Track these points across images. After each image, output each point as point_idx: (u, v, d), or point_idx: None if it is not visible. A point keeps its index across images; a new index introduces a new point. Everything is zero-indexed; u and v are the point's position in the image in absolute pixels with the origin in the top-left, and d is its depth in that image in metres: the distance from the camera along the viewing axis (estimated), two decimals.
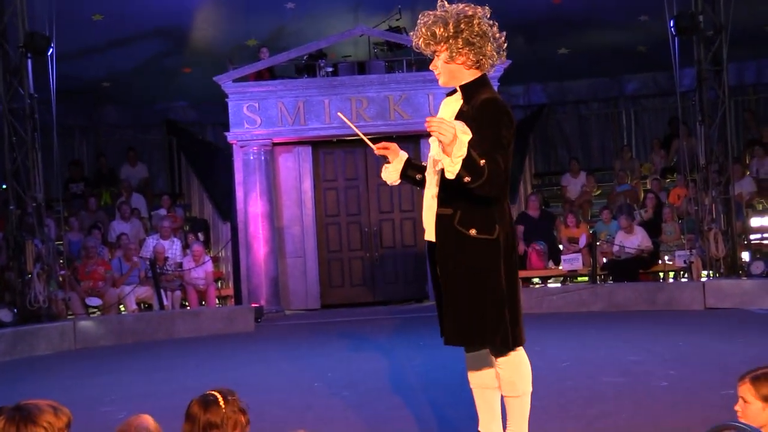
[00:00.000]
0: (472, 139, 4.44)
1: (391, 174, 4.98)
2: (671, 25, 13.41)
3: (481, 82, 4.70)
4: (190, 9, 17.05)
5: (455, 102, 4.77)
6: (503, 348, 4.69)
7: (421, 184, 4.89)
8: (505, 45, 4.78)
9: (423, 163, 4.99)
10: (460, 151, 4.30)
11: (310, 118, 15.08)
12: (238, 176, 15.26)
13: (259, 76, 15.56)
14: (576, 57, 18.82)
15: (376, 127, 14.85)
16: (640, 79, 19.78)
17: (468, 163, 4.31)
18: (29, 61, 12.94)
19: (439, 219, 4.66)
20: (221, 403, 4.09)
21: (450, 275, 4.64)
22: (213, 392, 4.13)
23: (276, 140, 15.18)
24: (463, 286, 4.61)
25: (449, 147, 4.29)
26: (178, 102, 19.58)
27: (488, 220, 4.59)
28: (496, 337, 4.63)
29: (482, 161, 4.34)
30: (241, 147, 15.12)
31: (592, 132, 20.34)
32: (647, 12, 17.01)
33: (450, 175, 4.38)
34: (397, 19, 15.88)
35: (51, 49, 12.93)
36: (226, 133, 15.32)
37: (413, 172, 4.93)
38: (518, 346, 4.72)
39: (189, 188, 18.46)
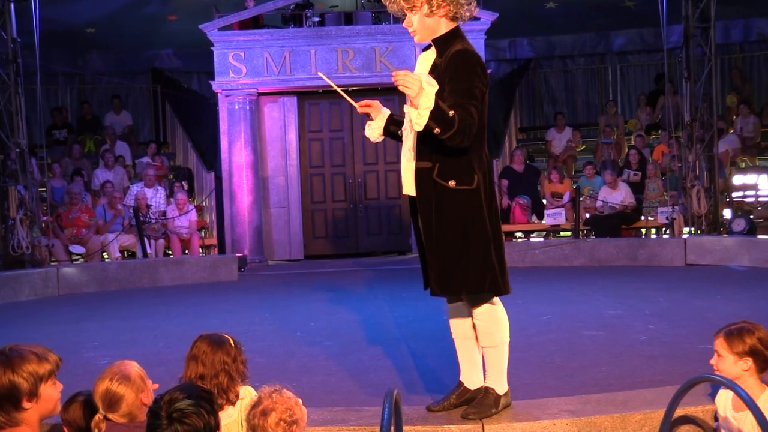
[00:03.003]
0: (445, 90, 4.45)
1: (374, 131, 4.98)
2: None
3: (453, 35, 4.70)
4: None
5: (430, 56, 4.77)
6: (492, 293, 4.72)
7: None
8: None
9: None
10: (427, 102, 4.32)
11: (296, 69, 15.02)
12: (223, 126, 15.21)
13: (245, 25, 15.45)
14: (564, 11, 18.75)
15: (363, 78, 14.83)
16: (627, 35, 19.75)
17: (436, 114, 4.33)
18: (12, 5, 12.81)
19: (418, 173, 4.67)
20: (232, 343, 4.13)
21: (433, 228, 4.66)
22: (224, 334, 4.17)
23: (261, 90, 15.12)
24: (446, 238, 4.63)
25: (416, 99, 4.32)
26: (164, 50, 19.44)
27: (467, 171, 4.61)
28: (484, 284, 4.65)
29: (451, 112, 4.35)
30: (226, 96, 15.06)
31: (578, 87, 20.33)
32: None
33: (418, 127, 4.40)
34: None
35: None
36: (211, 82, 15.25)
37: (396, 128, 4.92)
38: (506, 293, 4.76)
39: (173, 137, 18.39)
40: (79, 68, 19.22)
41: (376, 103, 4.92)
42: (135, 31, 18.32)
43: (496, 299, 4.82)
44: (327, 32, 15.13)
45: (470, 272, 4.64)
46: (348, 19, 15.41)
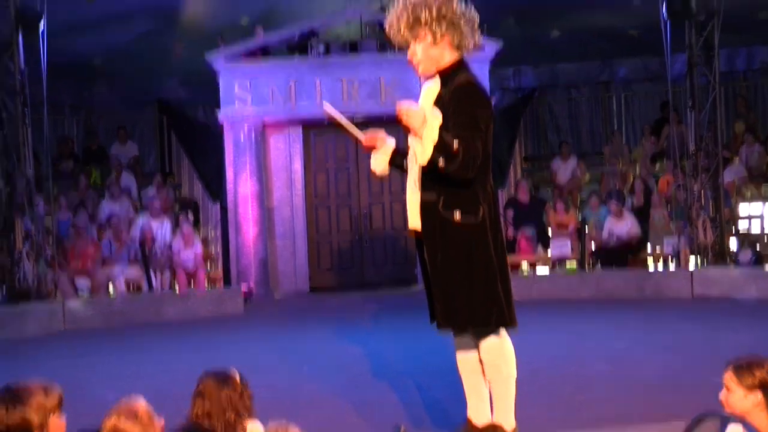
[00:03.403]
0: (449, 122, 4.45)
1: (380, 163, 4.97)
2: (663, 9, 13.38)
3: (458, 66, 4.71)
4: None
5: (435, 87, 4.77)
6: (499, 326, 4.69)
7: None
8: (477, 23, 4.76)
9: None
10: (431, 135, 4.33)
11: (302, 99, 15.04)
12: (229, 156, 15.23)
13: (250, 56, 15.49)
14: (567, 40, 18.78)
15: (368, 108, 14.83)
16: (632, 64, 19.75)
17: (441, 147, 4.34)
18: (20, 37, 12.86)
19: (423, 205, 4.67)
20: (238, 380, 4.10)
21: (438, 261, 4.65)
22: (230, 370, 4.14)
23: (267, 120, 15.14)
24: (452, 271, 4.62)
25: (419, 132, 4.32)
26: (170, 80, 19.49)
27: (472, 203, 4.60)
28: (491, 317, 4.63)
29: (455, 144, 4.35)
30: (232, 127, 15.08)
31: (582, 116, 20.31)
32: None
33: (422, 160, 4.40)
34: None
35: (42, 25, 12.85)
36: (217, 111, 15.25)
37: (401, 160, 4.92)
38: (513, 326, 4.73)
39: (179, 168, 18.39)
40: (85, 99, 19.26)
41: (381, 135, 4.91)
42: (141, 62, 18.37)
43: (503, 332, 4.79)
44: (332, 62, 15.17)
45: (476, 306, 4.62)
46: (353, 48, 15.45)
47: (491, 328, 4.72)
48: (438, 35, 4.63)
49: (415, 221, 4.75)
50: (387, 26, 4.80)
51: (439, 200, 4.60)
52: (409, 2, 4.67)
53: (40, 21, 12.80)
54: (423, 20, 4.63)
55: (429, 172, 4.56)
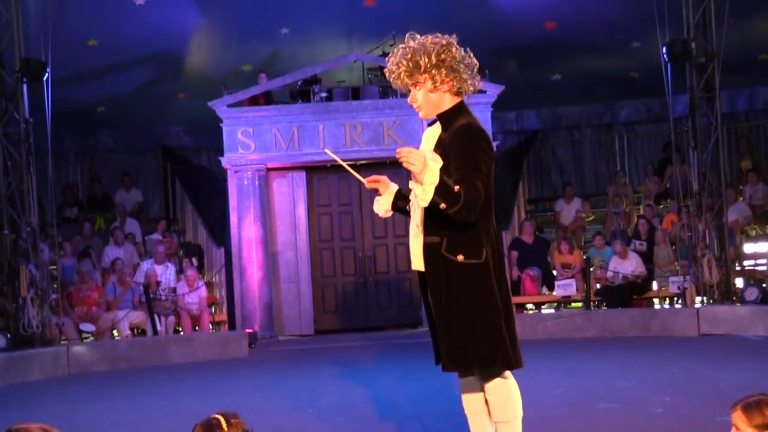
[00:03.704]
0: (450, 165, 4.46)
1: (382, 206, 4.98)
2: (664, 51, 13.46)
3: (458, 110, 4.71)
4: (186, 34, 17.12)
5: (436, 131, 4.79)
6: (504, 367, 4.68)
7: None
8: (477, 68, 4.77)
9: None
10: (432, 178, 4.34)
11: (305, 144, 15.10)
12: (233, 201, 15.27)
13: (253, 101, 15.59)
14: (569, 82, 18.89)
15: (371, 153, 14.90)
16: (634, 105, 19.84)
17: (441, 190, 4.35)
18: (25, 86, 12.96)
19: (426, 247, 4.67)
20: (224, 426, 4.05)
21: (442, 303, 4.63)
22: (216, 416, 4.10)
23: (270, 165, 15.20)
24: (456, 312, 4.60)
25: (420, 175, 4.34)
26: (174, 127, 19.60)
27: (475, 245, 4.60)
28: (496, 358, 4.61)
29: (457, 187, 4.36)
30: (236, 172, 15.14)
31: (585, 157, 20.38)
32: (640, 38, 17.10)
33: (423, 203, 4.42)
34: (391, 45, 15.93)
35: (47, 74, 12.95)
36: (221, 158, 15.34)
37: (404, 203, 4.92)
38: (518, 366, 4.71)
39: (183, 213, 18.44)
40: (89, 146, 19.37)
41: (383, 178, 4.92)
42: (145, 109, 18.50)
43: (508, 373, 4.77)
44: (335, 107, 15.25)
45: (481, 347, 4.60)
46: (355, 93, 15.53)
47: (496, 369, 4.71)
48: (438, 81, 4.65)
49: (418, 263, 4.75)
50: (387, 72, 4.81)
51: (442, 242, 4.61)
52: (409, 48, 4.69)
53: (44, 71, 12.89)
54: (422, 66, 4.64)
55: (432, 215, 4.57)
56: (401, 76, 4.71)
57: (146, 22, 16.28)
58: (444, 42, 4.66)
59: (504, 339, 4.62)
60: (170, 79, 18.10)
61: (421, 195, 4.40)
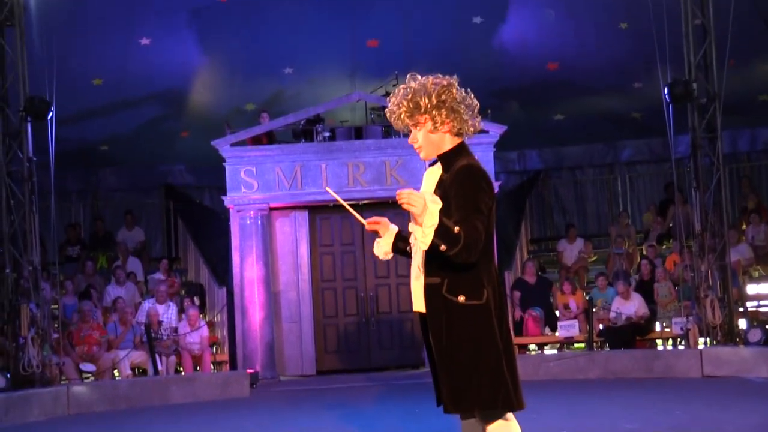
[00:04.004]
0: (450, 206, 4.46)
1: (382, 248, 4.96)
2: (665, 92, 13.47)
3: (459, 150, 4.69)
4: (189, 73, 17.19)
5: (436, 171, 4.78)
6: (506, 409, 4.65)
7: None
8: (477, 108, 4.73)
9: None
10: (432, 220, 4.32)
11: (307, 183, 15.11)
12: (235, 241, 15.25)
13: (256, 141, 15.62)
14: (571, 122, 18.93)
15: (373, 192, 14.91)
16: (635, 145, 19.86)
17: (441, 232, 4.33)
18: (29, 125, 12.98)
19: (427, 288, 4.63)
20: None
21: (443, 344, 4.59)
22: None
23: (273, 205, 15.20)
24: (458, 354, 4.56)
25: (420, 217, 4.33)
26: (176, 165, 19.63)
27: (476, 286, 4.56)
28: (497, 400, 4.56)
29: (456, 228, 4.35)
30: (238, 211, 15.13)
31: (587, 197, 20.37)
32: (641, 79, 17.17)
33: (423, 245, 4.40)
34: (393, 84, 15.95)
35: (51, 113, 12.97)
36: (223, 198, 15.34)
37: (404, 245, 4.90)
38: (520, 408, 4.68)
39: (185, 252, 18.42)
40: (92, 185, 19.38)
41: (384, 220, 4.91)
42: (148, 147, 18.54)
43: (510, 415, 4.72)
44: (337, 147, 15.27)
45: (482, 388, 4.56)
46: (358, 133, 15.55)
47: (498, 412, 4.67)
48: (438, 121, 4.63)
49: (419, 305, 4.72)
50: (388, 113, 4.78)
51: (443, 284, 4.56)
52: (409, 89, 4.67)
53: (48, 110, 12.91)
54: (422, 107, 4.62)
55: (432, 257, 4.55)
56: (402, 116, 4.70)
57: (150, 61, 16.37)
58: (445, 83, 4.65)
59: (505, 380, 4.58)
60: (173, 118, 18.16)
61: (421, 237, 4.38)
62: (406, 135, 4.89)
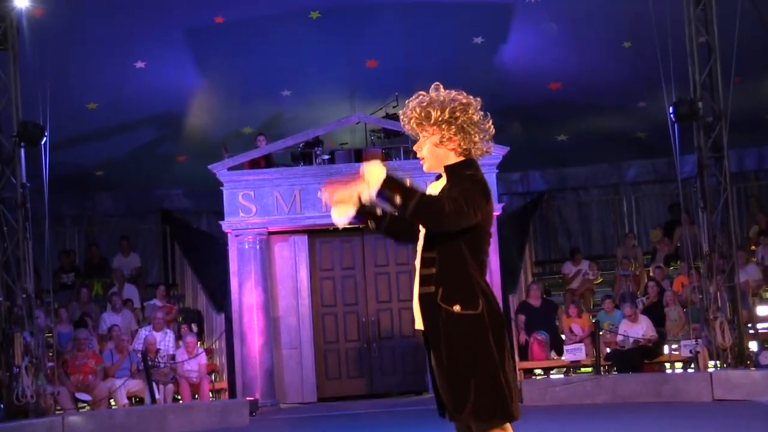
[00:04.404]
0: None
1: (343, 212, 4.76)
2: (670, 111, 13.28)
3: (467, 165, 4.60)
4: (186, 96, 17.04)
5: (441, 184, 4.66)
6: (504, 420, 4.51)
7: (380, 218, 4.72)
8: (491, 134, 4.68)
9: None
10: (378, 173, 4.26)
11: (307, 207, 14.90)
12: (233, 266, 15.05)
13: (254, 164, 15.42)
14: (575, 143, 18.78)
15: None
16: (641, 165, 19.69)
17: (392, 184, 4.27)
18: (22, 150, 12.80)
19: (422, 298, 4.56)
20: None
21: (443, 356, 4.50)
22: None
23: (271, 229, 14.99)
24: (456, 366, 4.48)
25: (362, 184, 4.32)
26: (173, 190, 19.45)
27: (471, 295, 4.49)
28: (496, 410, 4.48)
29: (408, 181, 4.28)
30: (236, 236, 14.93)
31: (592, 218, 20.17)
32: (646, 98, 17.02)
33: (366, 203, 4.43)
34: (393, 107, 15.82)
35: (44, 138, 12.81)
36: (221, 222, 15.14)
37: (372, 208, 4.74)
38: (517, 417, 4.55)
39: (183, 278, 18.20)
40: (87, 210, 19.19)
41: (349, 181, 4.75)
42: (144, 171, 18.38)
43: (507, 426, 4.57)
44: (337, 170, 15.05)
45: (481, 399, 4.47)
46: (358, 156, 15.35)
47: (496, 421, 4.52)
48: (445, 137, 4.57)
49: (420, 321, 4.61)
50: (401, 114, 4.72)
51: (437, 293, 4.50)
52: (426, 97, 4.62)
53: (42, 135, 12.74)
54: (433, 118, 4.56)
55: (428, 264, 4.49)
56: (411, 122, 4.65)
57: (146, 85, 16.23)
58: (464, 101, 4.59)
59: (503, 392, 4.50)
60: (170, 141, 18.02)
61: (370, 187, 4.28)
62: (407, 157, 4.79)
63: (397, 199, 4.27)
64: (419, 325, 4.63)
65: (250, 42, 16.17)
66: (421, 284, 4.56)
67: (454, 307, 4.45)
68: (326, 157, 15.34)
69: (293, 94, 17.20)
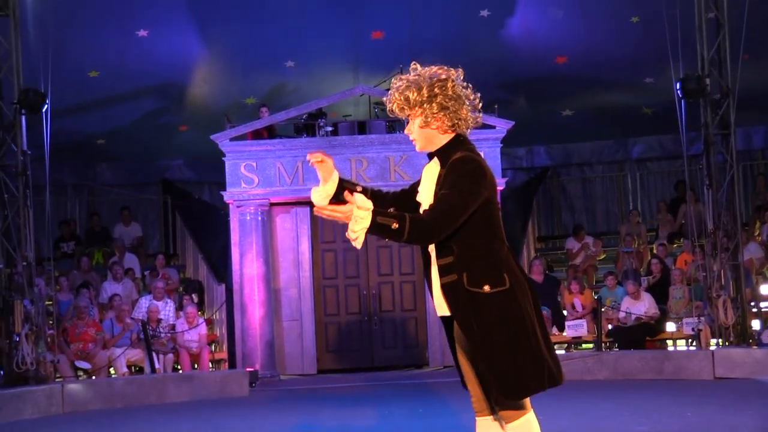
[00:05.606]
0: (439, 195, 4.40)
1: (321, 195, 4.78)
2: (678, 87, 13.16)
3: (455, 144, 4.57)
4: (188, 66, 16.94)
5: (435, 167, 4.63)
6: (552, 385, 4.49)
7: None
8: (480, 105, 4.64)
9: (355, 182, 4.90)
10: (360, 225, 4.34)
11: (309, 179, 14.81)
12: (234, 237, 14.99)
13: (257, 135, 15.33)
14: (580, 118, 18.66)
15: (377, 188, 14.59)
16: (646, 142, 19.60)
17: (379, 229, 4.36)
18: (23, 118, 12.73)
19: (446, 287, 4.48)
20: None
21: (477, 336, 4.41)
22: None
23: (273, 200, 14.91)
24: (497, 343, 4.40)
25: (350, 223, 4.34)
26: (175, 160, 19.38)
27: (496, 272, 4.44)
28: (543, 379, 4.44)
29: (395, 224, 4.31)
30: (238, 207, 14.86)
31: (596, 195, 20.11)
32: (653, 74, 16.89)
33: (357, 243, 4.42)
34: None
35: (46, 106, 12.73)
36: (223, 193, 15.07)
37: (349, 187, 4.71)
38: (560, 383, 4.53)
39: (184, 249, 18.16)
40: (88, 179, 19.13)
41: (329, 162, 4.72)
42: (146, 142, 18.30)
43: (532, 416, 4.54)
44: (340, 141, 14.98)
45: (527, 372, 4.41)
46: (361, 128, 15.28)
47: (521, 403, 4.50)
48: (428, 116, 4.54)
49: (442, 307, 4.55)
50: (386, 102, 4.71)
51: (462, 278, 4.43)
52: (404, 81, 4.59)
53: (43, 102, 12.66)
54: (412, 101, 4.55)
55: (445, 256, 4.45)
56: (394, 108, 4.65)
57: (148, 53, 16.14)
58: (443, 76, 4.55)
59: (546, 360, 4.47)
60: (172, 111, 17.93)
61: (355, 230, 4.36)
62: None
63: (394, 225, 4.32)
64: (442, 311, 4.58)
65: (253, 11, 16.04)
66: (442, 274, 4.50)
67: (484, 288, 4.40)
68: (329, 128, 15.25)
69: (297, 65, 17.10)
